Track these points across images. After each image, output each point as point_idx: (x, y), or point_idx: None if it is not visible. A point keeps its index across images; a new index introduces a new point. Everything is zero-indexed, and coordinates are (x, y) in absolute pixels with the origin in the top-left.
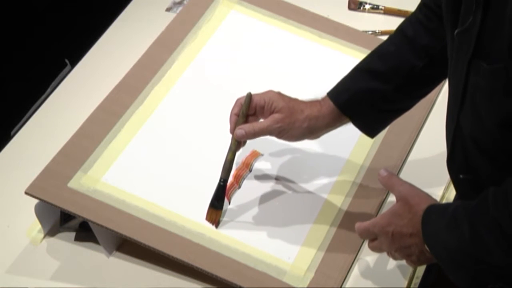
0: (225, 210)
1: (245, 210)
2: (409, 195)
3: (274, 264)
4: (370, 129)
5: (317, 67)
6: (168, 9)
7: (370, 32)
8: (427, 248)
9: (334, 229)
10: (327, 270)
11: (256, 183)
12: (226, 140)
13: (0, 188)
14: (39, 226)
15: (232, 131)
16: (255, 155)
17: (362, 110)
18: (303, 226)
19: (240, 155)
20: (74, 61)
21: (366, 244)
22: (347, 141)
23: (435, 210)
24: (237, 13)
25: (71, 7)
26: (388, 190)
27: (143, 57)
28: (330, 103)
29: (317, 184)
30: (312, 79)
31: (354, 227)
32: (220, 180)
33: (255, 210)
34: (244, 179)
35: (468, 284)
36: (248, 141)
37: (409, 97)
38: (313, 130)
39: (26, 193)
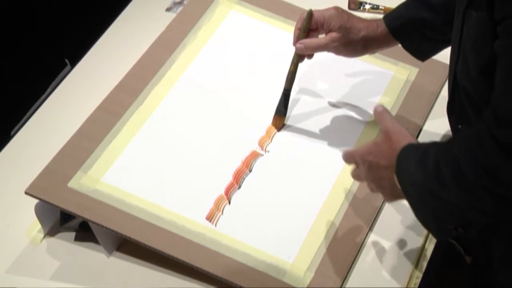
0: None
1: (245, 210)
2: (393, 131)
3: (274, 264)
4: (420, 54)
5: (316, 67)
6: (168, 9)
7: None
8: (397, 183)
9: (334, 229)
10: (327, 270)
11: (256, 183)
12: (226, 140)
13: (0, 188)
14: (39, 226)
15: (295, 44)
16: (255, 155)
17: (412, 36)
18: (303, 226)
19: (240, 155)
20: (74, 61)
21: (366, 244)
22: (349, 137)
23: (411, 147)
24: (237, 13)
25: (71, 7)
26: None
27: (143, 57)
28: (385, 26)
29: (317, 183)
30: (312, 79)
31: (354, 227)
32: (284, 90)
33: (255, 210)
34: (244, 179)
35: (430, 222)
36: (248, 141)
37: None
38: (368, 49)
39: (26, 193)
